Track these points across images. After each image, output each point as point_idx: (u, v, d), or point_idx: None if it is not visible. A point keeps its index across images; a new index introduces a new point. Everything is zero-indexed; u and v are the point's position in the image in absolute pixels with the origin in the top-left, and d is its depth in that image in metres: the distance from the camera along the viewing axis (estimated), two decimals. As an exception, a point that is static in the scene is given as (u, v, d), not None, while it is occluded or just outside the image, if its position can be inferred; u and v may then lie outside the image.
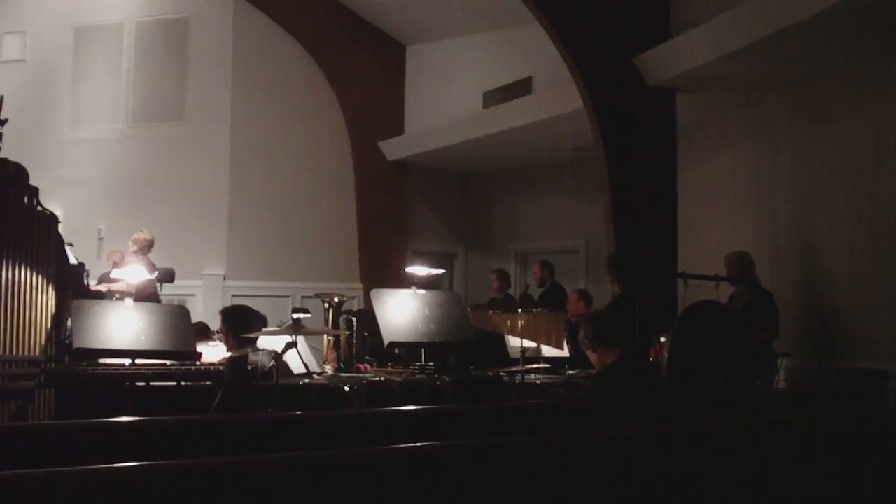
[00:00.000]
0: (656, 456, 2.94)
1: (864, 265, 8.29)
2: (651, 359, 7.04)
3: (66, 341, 6.54)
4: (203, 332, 8.13)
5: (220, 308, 10.56)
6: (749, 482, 3.07)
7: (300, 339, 6.02)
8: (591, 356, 5.50)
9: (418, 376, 6.46)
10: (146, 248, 10.24)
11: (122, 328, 5.88)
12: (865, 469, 3.40)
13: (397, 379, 6.43)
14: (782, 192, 9.27)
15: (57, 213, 6.67)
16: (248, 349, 6.02)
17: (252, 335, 6.02)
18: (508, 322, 7.90)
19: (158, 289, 9.84)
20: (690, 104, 9.39)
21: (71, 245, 7.64)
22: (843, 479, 3.34)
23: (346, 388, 6.18)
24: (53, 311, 6.28)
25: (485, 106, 12.47)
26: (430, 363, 6.50)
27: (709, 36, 8.28)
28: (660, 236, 9.12)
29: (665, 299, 8.30)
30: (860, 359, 8.00)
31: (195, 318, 7.07)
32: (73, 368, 5.98)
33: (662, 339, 6.94)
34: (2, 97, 5.95)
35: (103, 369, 5.83)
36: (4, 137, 6.02)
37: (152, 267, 9.85)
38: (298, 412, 4.87)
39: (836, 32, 7.54)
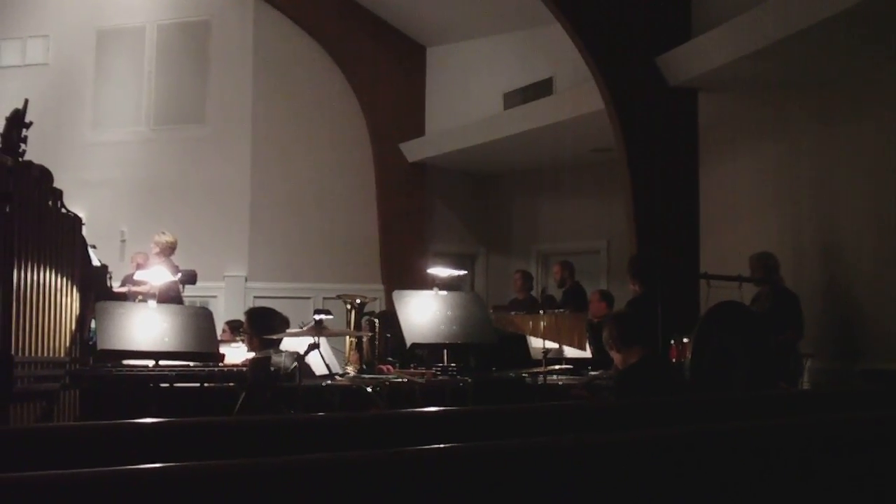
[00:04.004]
0: (679, 457, 2.93)
1: (888, 265, 8.23)
2: (674, 359, 7.02)
3: (90, 343, 6.57)
4: (238, 330, 8.21)
5: (243, 310, 10.66)
6: (773, 484, 3.06)
7: (322, 341, 6.02)
8: (615, 356, 5.50)
9: (440, 377, 6.46)
10: (169, 250, 10.29)
11: (145, 330, 5.90)
12: (891, 470, 3.38)
13: (420, 380, 6.42)
14: (804, 192, 9.23)
15: (80, 215, 6.71)
16: (271, 350, 6.03)
17: (275, 336, 6.03)
18: (530, 323, 7.89)
19: (181, 290, 9.88)
20: (712, 104, 9.36)
21: (94, 247, 7.68)
22: (868, 480, 3.31)
23: (369, 390, 6.18)
24: (77, 312, 6.31)
25: (505, 107, 12.46)
26: (453, 364, 6.50)
27: (730, 36, 8.25)
28: (682, 236, 9.10)
29: (687, 300, 8.28)
30: (885, 360, 7.95)
31: (217, 320, 7.09)
32: (97, 370, 6.00)
33: (685, 340, 6.92)
34: (26, 101, 5.97)
35: (127, 371, 5.85)
36: (28, 140, 6.05)
37: (175, 269, 9.89)
38: (321, 413, 4.88)
39: (857, 32, 7.50)
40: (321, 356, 6.09)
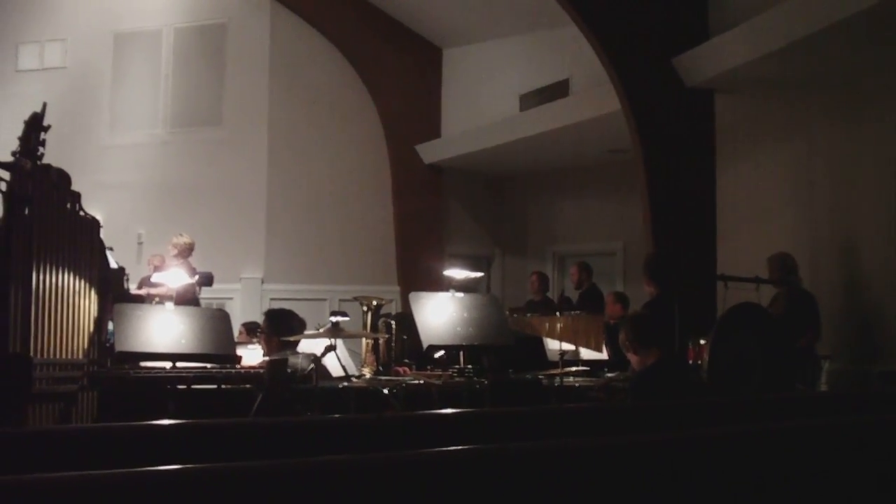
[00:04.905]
0: (696, 460, 2.92)
1: (906, 266, 8.20)
2: (691, 361, 7.00)
3: (108, 344, 6.60)
4: (254, 332, 8.23)
5: (259, 311, 10.68)
6: (790, 487, 3.05)
7: (338, 343, 6.03)
8: (632, 358, 5.50)
9: (457, 379, 6.46)
10: (186, 251, 10.33)
11: (162, 331, 5.92)
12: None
13: (436, 382, 6.42)
14: (821, 192, 9.19)
15: (97, 217, 6.73)
16: (288, 352, 6.05)
17: (292, 338, 6.04)
18: (547, 325, 7.88)
19: (198, 292, 9.91)
20: (729, 105, 9.33)
21: (111, 249, 7.71)
22: (887, 483, 3.30)
23: (386, 392, 6.18)
24: (95, 314, 6.34)
25: (521, 108, 12.46)
26: (469, 366, 6.50)
27: (747, 36, 8.23)
28: (698, 238, 9.07)
29: (704, 301, 8.25)
30: (903, 362, 7.91)
31: (233, 322, 7.12)
32: (115, 371, 6.03)
33: (702, 342, 6.90)
34: (45, 104, 6.00)
35: (145, 372, 5.88)
36: (46, 143, 6.07)
37: (193, 271, 9.92)
38: (338, 415, 4.88)
39: (874, 32, 7.46)
40: (337, 358, 6.10)
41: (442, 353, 6.76)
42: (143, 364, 6.02)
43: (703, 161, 9.22)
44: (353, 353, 7.42)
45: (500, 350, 6.94)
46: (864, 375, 8.24)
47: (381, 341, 7.19)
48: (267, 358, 6.22)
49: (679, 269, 7.40)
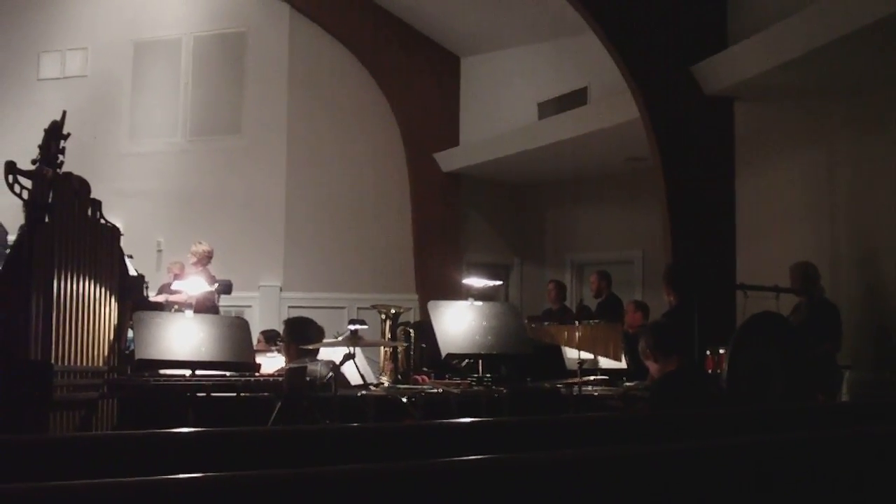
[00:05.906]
0: (715, 470, 2.91)
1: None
2: (710, 370, 6.97)
3: (128, 352, 6.62)
4: (273, 340, 8.24)
5: (277, 319, 10.69)
6: (811, 498, 3.03)
7: (357, 351, 6.04)
8: (651, 366, 5.49)
9: (476, 388, 6.45)
10: (205, 259, 10.36)
11: (182, 339, 5.94)
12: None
13: (455, 391, 6.42)
14: (841, 200, 9.14)
15: (117, 225, 6.76)
16: (307, 360, 6.05)
17: (311, 346, 6.05)
18: (565, 334, 7.86)
19: (217, 300, 9.93)
20: (748, 113, 9.30)
21: (131, 257, 7.74)
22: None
23: (404, 400, 6.18)
24: (115, 322, 6.37)
25: (540, 117, 12.45)
26: (488, 375, 6.49)
27: (766, 44, 8.21)
28: (718, 247, 9.04)
29: (724, 310, 8.22)
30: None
31: (252, 330, 7.13)
32: (135, 379, 6.06)
33: (721, 351, 6.87)
34: (64, 112, 6.04)
35: (165, 380, 5.90)
36: (66, 151, 6.11)
37: (212, 279, 9.94)
38: (356, 424, 4.88)
39: (894, 40, 7.43)
40: (356, 366, 6.10)
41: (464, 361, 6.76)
42: (162, 372, 6.04)
43: (723, 169, 9.19)
44: (372, 362, 7.42)
45: (518, 359, 6.94)
46: (886, 385, 8.19)
47: (399, 349, 7.19)
48: (287, 366, 6.23)
49: (699, 279, 7.37)
